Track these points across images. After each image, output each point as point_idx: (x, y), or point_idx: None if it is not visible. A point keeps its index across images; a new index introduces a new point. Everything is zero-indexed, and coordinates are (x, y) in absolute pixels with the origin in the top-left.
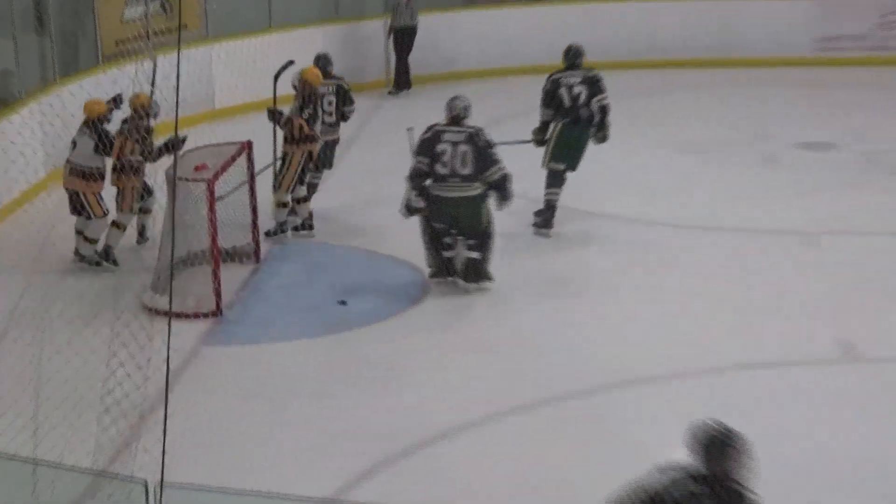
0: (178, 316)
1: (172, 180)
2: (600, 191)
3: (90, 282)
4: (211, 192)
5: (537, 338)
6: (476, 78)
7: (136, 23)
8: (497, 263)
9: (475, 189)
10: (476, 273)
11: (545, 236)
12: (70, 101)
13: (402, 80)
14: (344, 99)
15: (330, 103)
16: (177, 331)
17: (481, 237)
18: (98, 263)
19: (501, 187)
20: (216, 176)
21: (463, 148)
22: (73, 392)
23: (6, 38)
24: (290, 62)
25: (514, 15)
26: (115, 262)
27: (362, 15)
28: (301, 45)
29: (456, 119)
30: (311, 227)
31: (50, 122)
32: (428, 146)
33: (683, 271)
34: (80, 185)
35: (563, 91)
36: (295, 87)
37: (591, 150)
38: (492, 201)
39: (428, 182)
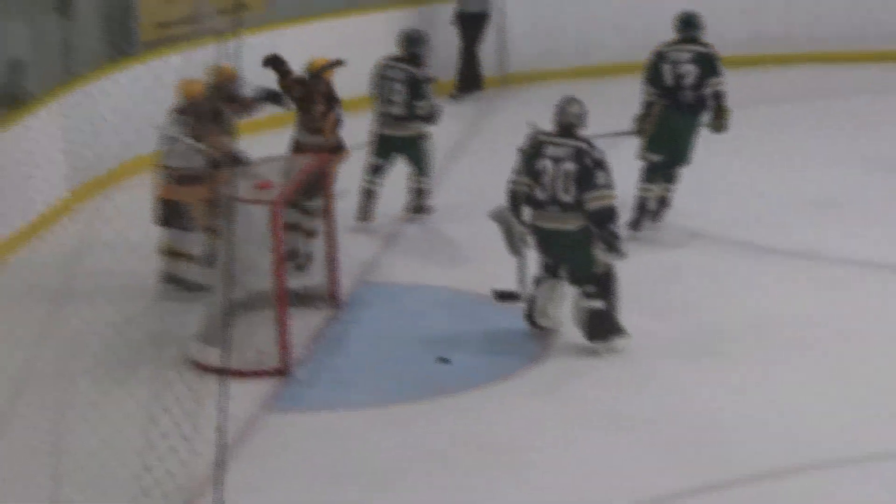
0: (235, 374)
1: (228, 201)
2: (765, 213)
3: (125, 328)
4: (276, 216)
5: (686, 408)
6: (582, 77)
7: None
8: (628, 306)
9: (578, 221)
10: (602, 328)
11: (632, 238)
12: (100, 99)
13: (468, 81)
14: (414, 91)
15: (398, 92)
16: (233, 393)
17: (600, 281)
18: (200, 289)
19: (599, 222)
20: (284, 196)
21: (567, 166)
22: (102, 469)
23: (19, 20)
24: (339, 62)
25: None
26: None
27: None
28: (363, 32)
29: (566, 129)
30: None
31: (76, 126)
32: (527, 162)
33: (881, 323)
34: (184, 193)
35: (666, 67)
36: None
37: (751, 160)
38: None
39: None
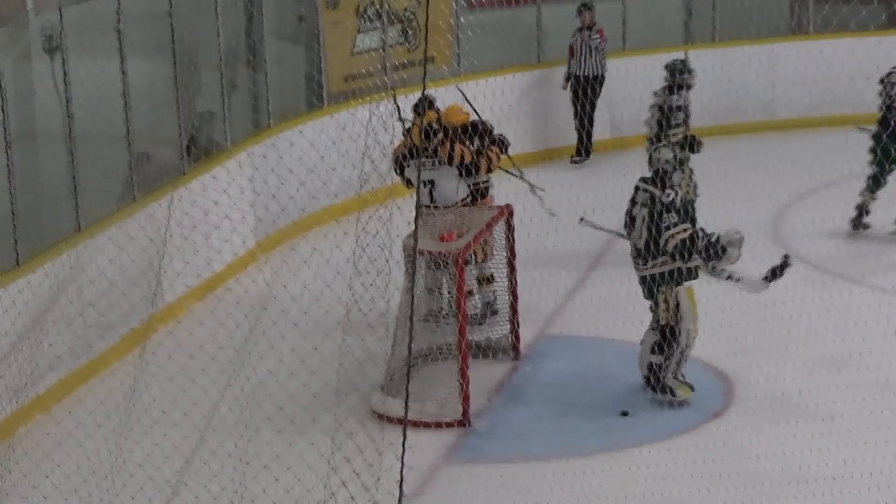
0: (416, 425)
1: (412, 252)
2: None
3: (306, 378)
4: (460, 268)
5: (872, 466)
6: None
7: (371, 54)
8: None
9: (649, 268)
10: (654, 382)
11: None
12: (287, 151)
13: (583, 145)
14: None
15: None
16: (413, 443)
17: (661, 334)
18: (483, 318)
19: (683, 253)
20: (468, 247)
21: (643, 212)
22: None
23: (210, 70)
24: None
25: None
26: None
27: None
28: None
29: (659, 175)
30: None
31: (263, 178)
32: (629, 209)
33: None
34: None
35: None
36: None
37: None
38: (679, 288)
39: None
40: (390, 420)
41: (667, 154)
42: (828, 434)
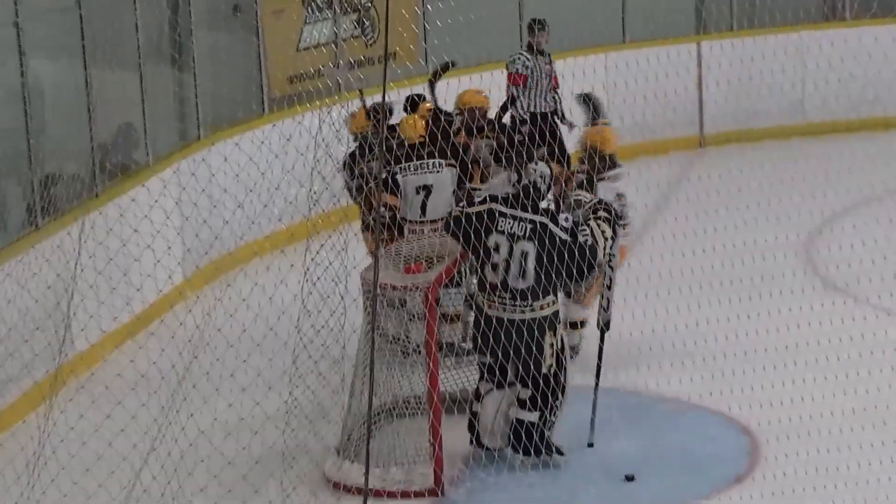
0: (379, 495)
1: (371, 286)
2: None
3: (246, 440)
4: (430, 306)
5: None
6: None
7: (321, 50)
8: None
9: (534, 310)
10: (528, 443)
11: None
12: (221, 166)
13: None
14: None
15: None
16: None
17: (540, 384)
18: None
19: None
20: (438, 280)
21: (523, 247)
22: None
23: (127, 69)
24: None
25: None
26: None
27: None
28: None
29: (531, 195)
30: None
31: (192, 200)
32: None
33: None
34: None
35: None
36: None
37: None
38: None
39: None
40: (348, 489)
41: (543, 167)
42: (872, 502)
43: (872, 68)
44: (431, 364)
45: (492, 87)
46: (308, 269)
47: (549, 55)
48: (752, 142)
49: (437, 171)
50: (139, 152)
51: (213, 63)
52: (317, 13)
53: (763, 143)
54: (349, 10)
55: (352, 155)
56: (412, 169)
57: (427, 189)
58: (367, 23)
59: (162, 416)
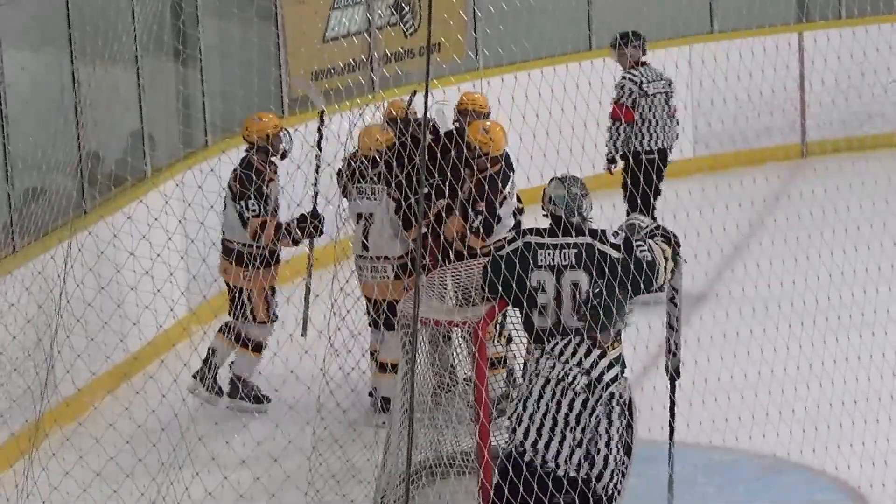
0: None
1: (410, 323)
2: None
3: (260, 502)
4: (482, 346)
5: None
6: None
7: (352, 41)
8: None
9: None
10: None
11: None
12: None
13: None
14: None
15: None
16: None
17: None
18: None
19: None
20: (491, 315)
21: (573, 277)
22: None
23: (122, 64)
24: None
25: None
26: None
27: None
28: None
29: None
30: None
31: (198, 218)
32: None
33: None
34: (234, 273)
35: None
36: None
37: None
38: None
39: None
40: None
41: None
42: None
43: None
44: (482, 413)
45: (554, 85)
46: (335, 300)
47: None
48: (864, 151)
49: (374, 200)
50: (142, 157)
51: (222, 57)
52: None
53: (876, 153)
54: None
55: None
56: (357, 191)
57: (366, 219)
58: (406, 8)
59: (162, 476)
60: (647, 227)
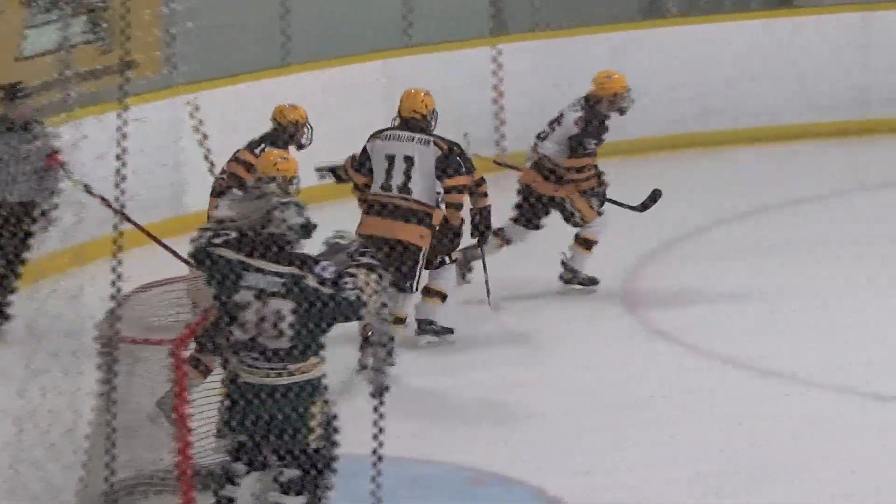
0: None
1: (107, 341)
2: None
3: None
4: (179, 363)
5: None
6: None
7: (48, 58)
8: None
9: (293, 373)
10: None
11: None
12: None
13: None
14: None
15: None
16: None
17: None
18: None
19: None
20: (189, 333)
21: (276, 305)
22: None
23: None
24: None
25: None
26: None
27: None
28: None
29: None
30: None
31: None
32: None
33: None
34: None
35: None
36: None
37: None
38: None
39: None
40: None
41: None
42: None
43: None
44: (181, 431)
45: (250, 101)
46: (33, 321)
47: None
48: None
49: None
50: None
51: None
52: (41, 14)
53: None
54: (80, 10)
55: None
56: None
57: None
58: (100, 25)
59: None
60: (351, 246)
